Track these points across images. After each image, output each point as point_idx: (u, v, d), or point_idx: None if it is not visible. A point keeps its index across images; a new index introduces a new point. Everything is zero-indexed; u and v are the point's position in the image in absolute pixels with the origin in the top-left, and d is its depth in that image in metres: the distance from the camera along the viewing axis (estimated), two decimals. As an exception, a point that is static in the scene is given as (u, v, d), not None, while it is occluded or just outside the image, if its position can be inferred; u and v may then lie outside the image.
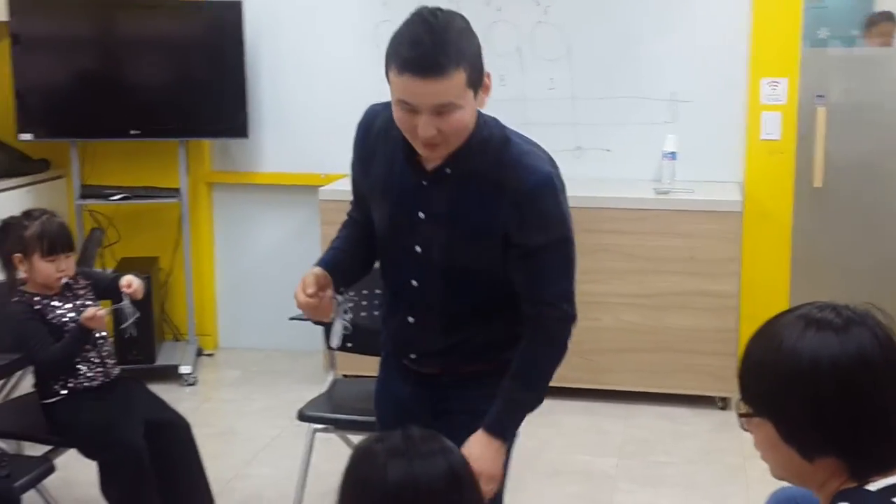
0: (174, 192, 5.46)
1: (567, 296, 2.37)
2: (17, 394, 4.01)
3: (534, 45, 5.26)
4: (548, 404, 4.85)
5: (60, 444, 3.53)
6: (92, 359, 3.50)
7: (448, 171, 2.30)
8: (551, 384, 4.90)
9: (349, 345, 2.75)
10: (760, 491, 2.61)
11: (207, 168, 5.64)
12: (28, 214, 3.56)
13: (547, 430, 4.68)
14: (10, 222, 3.54)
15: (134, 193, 5.45)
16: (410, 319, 2.47)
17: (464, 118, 2.20)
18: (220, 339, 5.77)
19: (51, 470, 3.37)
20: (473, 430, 2.31)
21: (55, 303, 3.48)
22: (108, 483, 3.38)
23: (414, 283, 2.43)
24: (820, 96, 5.03)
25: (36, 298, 3.45)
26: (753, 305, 4.78)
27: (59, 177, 5.58)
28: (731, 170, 5.11)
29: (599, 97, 5.21)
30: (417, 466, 1.47)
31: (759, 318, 1.76)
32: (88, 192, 5.41)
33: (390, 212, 2.42)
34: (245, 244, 5.60)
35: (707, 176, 5.07)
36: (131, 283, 3.51)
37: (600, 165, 5.25)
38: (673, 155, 4.96)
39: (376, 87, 5.64)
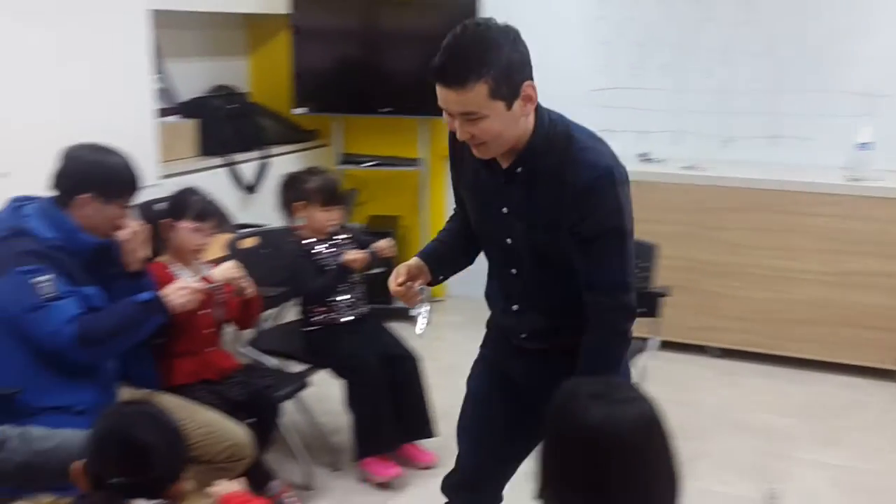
0: (415, 162, 5.63)
1: (622, 286, 2.16)
2: (283, 321, 4.25)
3: (739, 40, 5.06)
4: (732, 366, 4.79)
5: (315, 365, 3.72)
6: (347, 299, 3.67)
7: (519, 170, 2.18)
8: (736, 348, 4.84)
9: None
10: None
11: (444, 142, 5.73)
12: (311, 171, 3.76)
13: (731, 389, 4.57)
14: (296, 176, 3.74)
15: (382, 162, 5.65)
16: (515, 307, 2.36)
17: (492, 127, 2.05)
18: (449, 287, 5.87)
19: (306, 385, 3.57)
20: None
21: (320, 246, 3.66)
22: (351, 400, 3.55)
23: (513, 271, 2.31)
24: None
25: (307, 241, 3.64)
26: (939, 289, 4.45)
27: (323, 145, 5.82)
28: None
29: (799, 90, 4.96)
30: (615, 410, 1.46)
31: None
32: (346, 158, 5.65)
33: (480, 209, 2.32)
34: (473, 209, 5.68)
35: (899, 166, 4.77)
36: (383, 246, 3.69)
37: (797, 153, 5.01)
38: (867, 145, 4.66)
39: (590, 79, 5.64)
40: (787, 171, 4.84)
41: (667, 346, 4.67)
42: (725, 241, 4.79)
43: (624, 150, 5.49)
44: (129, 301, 2.68)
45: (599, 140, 2.21)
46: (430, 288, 2.39)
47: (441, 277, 2.46)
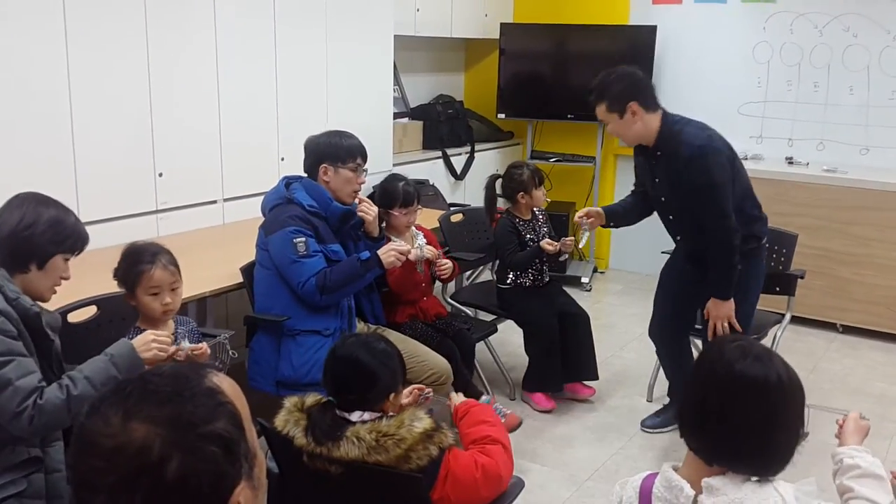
0: (591, 159, 5.49)
1: (719, 215, 2.75)
2: (479, 280, 4.29)
3: (880, 63, 4.60)
4: (856, 341, 4.43)
5: (502, 315, 3.73)
6: (535, 269, 3.61)
7: (659, 153, 2.84)
8: (859, 326, 4.46)
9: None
10: None
11: (616, 144, 5.56)
12: (517, 165, 3.66)
13: (852, 360, 4.22)
14: (510, 170, 3.66)
15: (564, 158, 5.56)
16: (679, 238, 3.07)
17: (615, 129, 2.88)
18: (610, 261, 5.77)
19: (495, 330, 3.58)
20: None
21: (524, 224, 3.60)
22: (529, 344, 3.54)
23: (671, 217, 3.00)
24: None
25: (516, 220, 3.60)
26: None
27: (517, 143, 5.79)
28: None
29: (936, 106, 4.46)
30: (739, 365, 1.36)
31: None
32: (536, 155, 5.58)
33: (646, 181, 3.01)
34: (636, 199, 5.52)
35: None
36: (568, 243, 3.50)
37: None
38: None
39: (748, 93, 5.30)
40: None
41: (800, 321, 4.39)
42: (857, 234, 4.40)
43: (773, 153, 5.19)
44: (354, 258, 2.75)
45: (702, 128, 2.81)
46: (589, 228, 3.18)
47: (612, 224, 3.21)
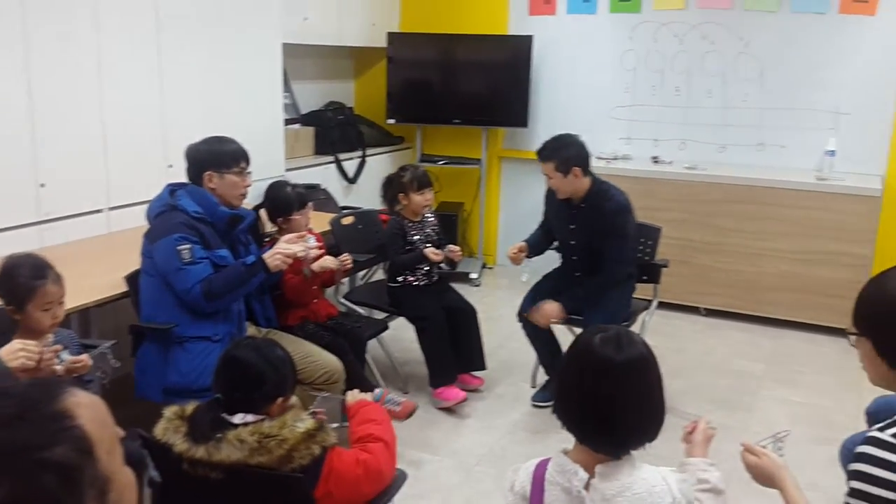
0: (477, 161, 5.57)
1: (621, 260, 3.32)
2: (371, 280, 4.27)
3: (735, 68, 4.88)
4: (717, 323, 4.69)
5: (394, 313, 3.73)
6: (424, 269, 3.63)
7: (583, 205, 3.32)
8: (720, 308, 4.73)
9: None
10: (868, 397, 2.41)
11: (499, 146, 5.69)
12: (403, 168, 3.66)
13: (714, 340, 4.45)
14: (393, 175, 3.66)
15: (452, 160, 5.61)
16: (577, 274, 3.46)
17: (555, 184, 3.30)
18: (498, 258, 5.85)
19: (386, 328, 3.59)
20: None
21: (412, 226, 3.61)
22: (421, 339, 3.55)
23: (574, 257, 3.47)
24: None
25: (403, 220, 3.60)
26: (883, 266, 4.22)
27: (407, 147, 5.80)
28: (876, 165, 4.57)
29: (781, 108, 4.79)
30: (619, 350, 1.42)
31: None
32: (424, 158, 5.60)
33: (559, 225, 3.46)
34: (520, 197, 5.63)
35: (858, 169, 4.56)
36: (455, 251, 3.56)
37: (777, 158, 4.85)
38: (832, 153, 4.51)
39: (618, 98, 5.48)
40: (769, 171, 4.68)
41: (666, 306, 4.60)
42: (716, 225, 4.66)
43: (640, 153, 5.41)
44: (239, 263, 2.67)
45: (621, 191, 3.34)
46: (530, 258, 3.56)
47: (532, 255, 3.54)
